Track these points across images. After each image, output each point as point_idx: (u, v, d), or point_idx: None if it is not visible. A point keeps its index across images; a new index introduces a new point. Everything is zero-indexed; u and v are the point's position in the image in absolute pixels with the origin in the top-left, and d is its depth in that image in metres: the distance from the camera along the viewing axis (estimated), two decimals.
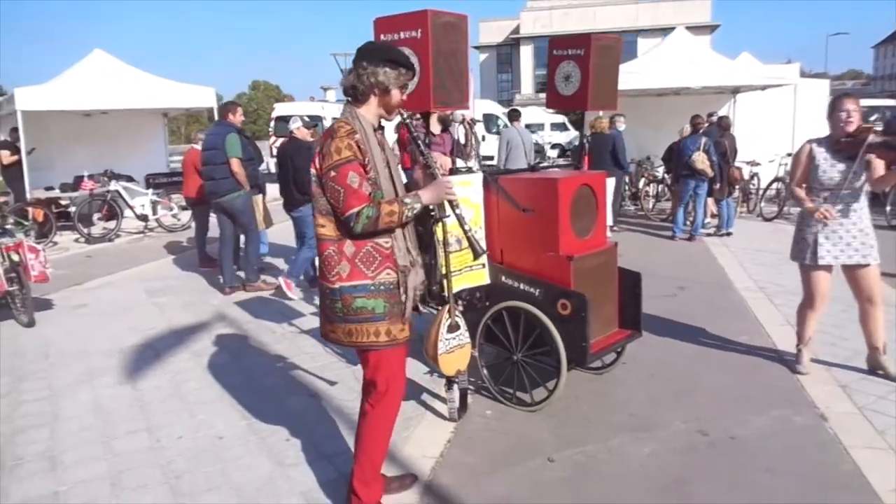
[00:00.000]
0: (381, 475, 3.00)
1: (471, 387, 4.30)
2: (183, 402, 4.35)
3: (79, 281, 8.03)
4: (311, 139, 7.03)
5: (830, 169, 4.20)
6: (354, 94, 2.74)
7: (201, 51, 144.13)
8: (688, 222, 9.80)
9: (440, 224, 3.41)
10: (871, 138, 3.98)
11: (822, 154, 4.25)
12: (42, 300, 6.95)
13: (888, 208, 10.00)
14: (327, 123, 21.37)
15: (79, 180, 11.52)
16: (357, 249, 2.69)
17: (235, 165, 6.84)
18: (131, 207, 11.44)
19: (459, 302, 4.18)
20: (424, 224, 3.30)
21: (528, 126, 22.99)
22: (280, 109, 21.59)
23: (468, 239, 3.07)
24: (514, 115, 10.22)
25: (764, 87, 12.02)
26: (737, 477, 3.23)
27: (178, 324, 6.11)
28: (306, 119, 7.35)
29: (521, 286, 4.05)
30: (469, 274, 3.97)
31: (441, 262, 3.56)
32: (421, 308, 2.99)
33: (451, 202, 2.93)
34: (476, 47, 47.06)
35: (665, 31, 39.50)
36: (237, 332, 5.84)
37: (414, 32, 3.43)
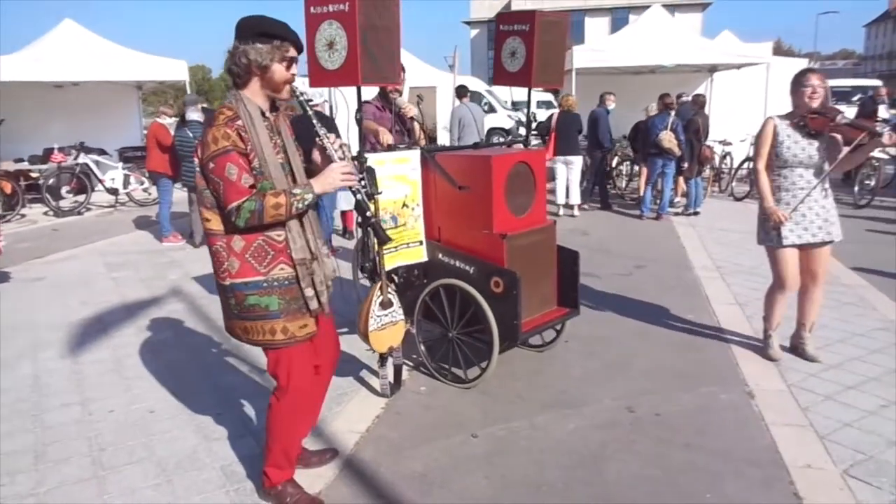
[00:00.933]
0: (295, 456, 2.95)
1: (408, 363, 4.33)
2: (121, 376, 4.35)
3: (40, 254, 7.98)
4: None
5: (794, 146, 4.11)
6: (234, 77, 2.56)
7: (189, 23, 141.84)
8: (656, 201, 9.81)
9: (373, 200, 3.37)
10: (840, 118, 3.92)
11: (785, 131, 4.14)
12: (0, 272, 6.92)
13: (856, 188, 10.03)
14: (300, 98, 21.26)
15: (48, 152, 11.39)
16: (247, 244, 2.54)
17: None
18: (101, 181, 11.35)
19: (396, 278, 4.22)
20: (356, 200, 3.26)
21: (514, 104, 22.92)
22: None
23: (371, 225, 2.98)
24: (461, 91, 9.66)
25: (739, 66, 11.98)
26: (653, 452, 3.26)
27: (132, 298, 6.09)
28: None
29: (457, 263, 4.04)
30: (406, 251, 3.99)
31: (373, 240, 3.50)
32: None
33: (350, 189, 2.73)
34: (467, 22, 46.63)
35: (666, 7, 39.44)
36: (189, 307, 5.82)
37: (341, 5, 3.31)
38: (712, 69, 12.95)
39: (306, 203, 2.54)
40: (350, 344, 4.10)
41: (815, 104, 4.04)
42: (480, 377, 3.99)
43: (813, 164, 4.10)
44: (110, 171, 11.57)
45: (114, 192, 11.35)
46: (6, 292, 6.40)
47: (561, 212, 9.88)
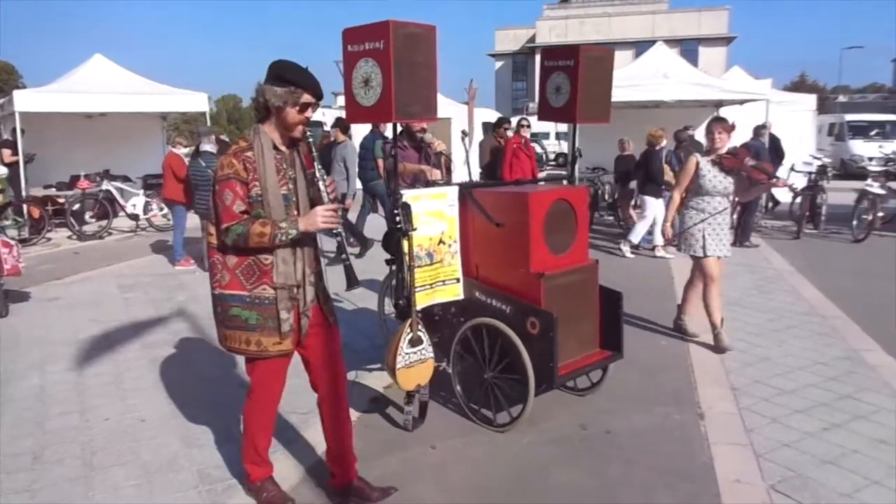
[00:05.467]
0: (265, 452, 3.19)
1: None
2: (119, 388, 4.70)
3: (59, 276, 8.45)
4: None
5: (714, 179, 5.26)
6: (258, 112, 2.85)
7: (212, 54, 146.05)
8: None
9: (407, 238, 3.47)
10: (748, 161, 4.98)
11: (706, 167, 5.27)
12: (21, 293, 7.36)
13: (854, 223, 10.22)
14: (327, 128, 21.87)
15: (75, 179, 12.01)
16: (239, 262, 2.83)
17: (380, 163, 8.60)
18: (122, 207, 11.90)
19: (434, 316, 4.21)
20: (391, 237, 3.38)
21: (533, 135, 23.24)
22: None
23: (344, 268, 3.04)
24: (344, 128, 8.98)
25: (742, 102, 12.21)
26: (595, 466, 3.50)
27: (140, 317, 6.48)
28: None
29: (494, 302, 3.96)
30: (442, 289, 3.95)
31: (408, 277, 3.58)
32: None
33: (331, 231, 2.88)
34: (492, 55, 47.37)
35: (681, 41, 39.84)
36: (191, 326, 6.18)
37: (377, 43, 3.34)
38: (718, 104, 13.20)
39: (290, 237, 2.75)
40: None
41: (718, 146, 5.24)
42: (514, 422, 3.84)
43: (727, 193, 5.30)
44: (133, 197, 12.14)
45: (134, 217, 11.90)
46: (26, 310, 6.84)
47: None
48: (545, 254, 3.91)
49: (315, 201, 2.91)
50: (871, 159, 19.15)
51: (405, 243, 3.34)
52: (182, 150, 9.31)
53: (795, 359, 4.98)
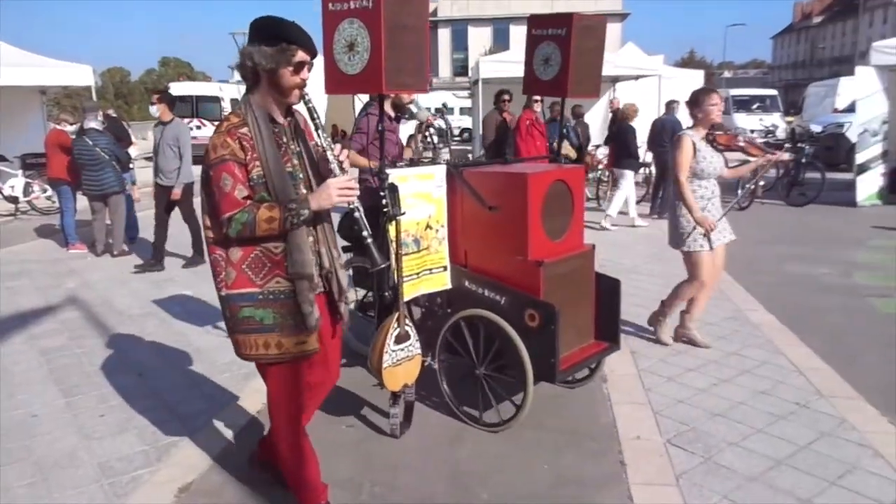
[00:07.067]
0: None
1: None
2: (7, 384, 4.39)
3: None
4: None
5: (711, 158, 4.50)
6: (245, 81, 2.48)
7: (102, 24, 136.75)
8: None
9: (393, 222, 3.16)
10: (741, 137, 4.68)
11: (701, 145, 4.49)
12: None
13: (739, 192, 10.86)
14: (225, 105, 21.02)
15: None
16: (244, 255, 2.45)
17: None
18: None
19: (417, 308, 3.91)
20: (377, 221, 3.02)
21: (437, 110, 23.23)
22: (175, 89, 20.95)
23: (365, 248, 2.70)
24: (171, 102, 7.40)
25: (637, 78, 12.71)
26: (507, 433, 3.59)
27: (25, 307, 6.06)
28: None
29: (486, 293, 3.64)
30: (428, 278, 3.64)
31: (394, 265, 3.28)
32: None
33: (348, 205, 2.57)
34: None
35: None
36: (84, 314, 5.85)
37: (365, 2, 2.93)
38: (614, 79, 13.67)
39: (302, 218, 2.40)
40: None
41: (718, 119, 4.53)
42: (512, 421, 3.56)
43: (718, 174, 4.56)
44: (10, 178, 11.26)
45: (13, 200, 11.05)
46: None
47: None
48: (543, 240, 3.58)
49: (325, 175, 2.57)
50: (752, 131, 20.51)
51: (391, 229, 3.04)
52: (69, 128, 8.69)
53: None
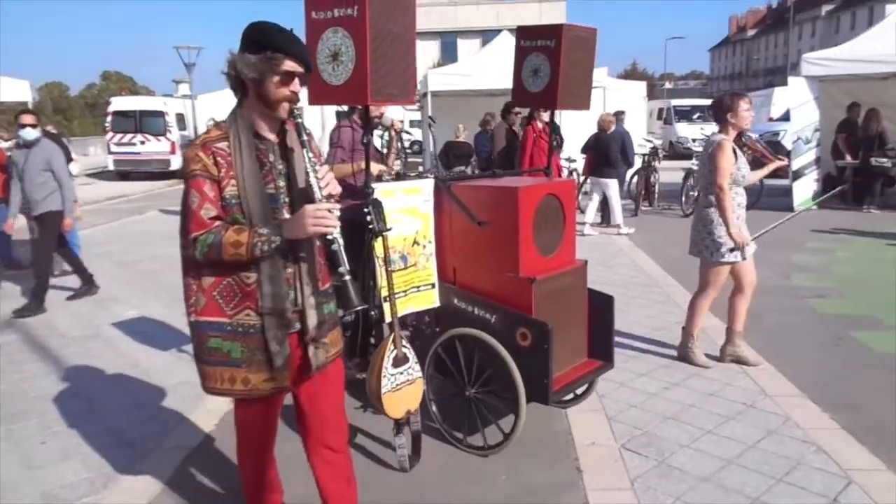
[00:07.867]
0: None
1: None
2: None
3: None
4: None
5: (744, 166, 4.39)
6: (234, 92, 2.28)
7: (39, 38, 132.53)
8: None
9: (380, 238, 3.04)
10: (758, 142, 4.55)
11: (737, 152, 4.35)
12: None
13: (683, 199, 11.23)
14: (170, 119, 20.60)
15: None
16: (216, 282, 2.25)
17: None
18: None
19: (406, 327, 3.75)
20: (362, 237, 2.92)
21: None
22: (117, 104, 20.49)
23: (342, 284, 2.36)
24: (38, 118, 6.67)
25: None
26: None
27: None
28: None
29: (476, 311, 3.51)
30: (415, 296, 3.53)
31: (381, 283, 3.15)
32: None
33: (324, 237, 2.23)
34: None
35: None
36: (23, 337, 5.63)
37: (350, 10, 2.83)
38: None
39: (273, 246, 2.16)
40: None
41: (748, 126, 4.46)
42: (504, 444, 3.43)
43: (748, 181, 4.48)
44: None
45: None
46: None
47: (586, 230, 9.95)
48: (535, 256, 3.48)
49: (309, 199, 2.24)
50: (694, 140, 21.18)
51: (378, 246, 2.91)
52: (3, 144, 8.36)
53: (639, 326, 5.42)
